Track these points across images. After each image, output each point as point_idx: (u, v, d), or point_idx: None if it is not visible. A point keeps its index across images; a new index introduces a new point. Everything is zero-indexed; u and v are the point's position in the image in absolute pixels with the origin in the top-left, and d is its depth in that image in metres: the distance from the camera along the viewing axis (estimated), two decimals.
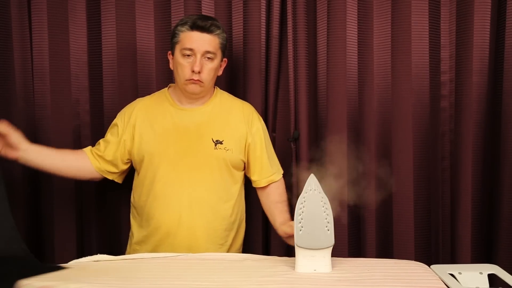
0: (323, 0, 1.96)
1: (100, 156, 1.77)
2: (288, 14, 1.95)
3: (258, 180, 1.82)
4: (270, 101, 2.00)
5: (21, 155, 1.65)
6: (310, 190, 1.41)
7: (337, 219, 1.81)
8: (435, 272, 1.40)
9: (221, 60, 1.76)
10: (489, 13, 1.88)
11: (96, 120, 2.02)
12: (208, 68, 1.69)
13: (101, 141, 1.80)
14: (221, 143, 1.73)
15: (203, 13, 1.98)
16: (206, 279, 1.34)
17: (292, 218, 1.55)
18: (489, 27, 1.89)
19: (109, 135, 1.80)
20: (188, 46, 1.66)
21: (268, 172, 1.82)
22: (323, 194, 1.41)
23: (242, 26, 1.99)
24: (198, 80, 1.68)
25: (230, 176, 1.77)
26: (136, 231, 1.79)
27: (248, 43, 1.99)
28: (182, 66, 1.69)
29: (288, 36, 1.96)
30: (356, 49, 1.96)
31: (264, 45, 1.98)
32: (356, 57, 1.97)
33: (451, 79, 1.97)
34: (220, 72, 1.79)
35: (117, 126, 1.78)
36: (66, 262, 1.48)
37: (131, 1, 1.99)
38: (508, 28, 1.90)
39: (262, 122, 1.87)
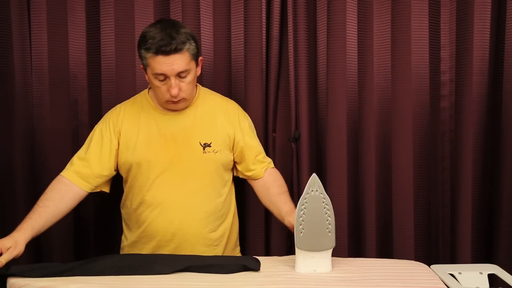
0: (323, 0, 1.96)
1: (85, 175, 1.67)
2: (288, 14, 1.95)
3: (255, 171, 1.76)
4: (270, 101, 2.00)
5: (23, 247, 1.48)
6: (312, 191, 1.39)
7: (337, 219, 1.82)
8: (435, 272, 1.41)
9: (197, 65, 1.65)
10: (489, 13, 1.88)
11: (94, 120, 1.99)
12: (185, 84, 1.61)
13: (76, 159, 1.69)
14: (209, 145, 1.68)
15: (201, 14, 1.97)
16: (206, 279, 1.34)
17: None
18: (489, 27, 1.89)
19: (91, 146, 1.70)
20: (159, 71, 1.56)
21: (263, 162, 1.79)
22: (325, 195, 1.39)
23: (242, 26, 1.98)
24: (179, 100, 1.63)
25: (220, 178, 1.74)
26: (129, 235, 1.76)
27: (248, 43, 1.98)
28: (159, 88, 1.61)
29: (289, 36, 1.96)
30: (356, 49, 1.96)
31: (264, 45, 1.97)
32: (356, 57, 1.96)
33: (451, 79, 1.97)
34: (198, 72, 1.70)
35: (102, 134, 1.70)
36: None
37: (130, 2, 1.98)
38: (508, 28, 1.90)
39: (248, 117, 1.83)
